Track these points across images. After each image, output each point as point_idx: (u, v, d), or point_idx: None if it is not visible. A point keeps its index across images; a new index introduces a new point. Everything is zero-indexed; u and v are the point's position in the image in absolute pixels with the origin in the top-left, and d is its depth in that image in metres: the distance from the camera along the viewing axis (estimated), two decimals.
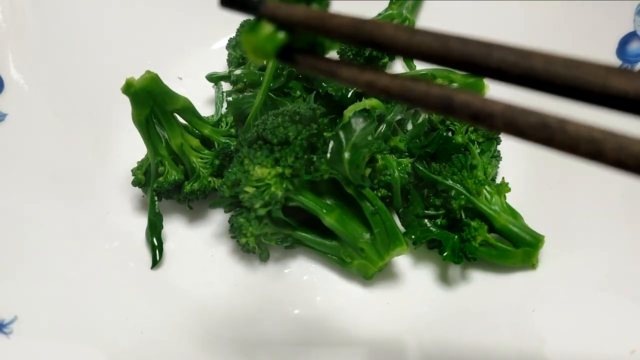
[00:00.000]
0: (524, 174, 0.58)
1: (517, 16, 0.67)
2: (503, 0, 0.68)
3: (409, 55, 0.21)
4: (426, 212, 0.54)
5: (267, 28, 0.24)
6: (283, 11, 0.23)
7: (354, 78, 0.22)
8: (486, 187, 0.53)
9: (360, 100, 0.58)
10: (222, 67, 0.71)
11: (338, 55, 0.71)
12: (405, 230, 0.54)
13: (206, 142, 0.59)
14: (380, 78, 0.22)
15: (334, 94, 0.60)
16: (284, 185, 0.50)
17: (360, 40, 0.21)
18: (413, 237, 0.52)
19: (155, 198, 0.58)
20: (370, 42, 0.21)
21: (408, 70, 0.69)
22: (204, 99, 0.69)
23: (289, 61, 0.25)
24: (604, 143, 0.17)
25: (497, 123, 0.19)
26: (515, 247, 0.52)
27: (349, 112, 0.54)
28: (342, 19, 0.22)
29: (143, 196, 0.61)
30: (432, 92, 0.20)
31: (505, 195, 0.53)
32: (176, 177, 0.56)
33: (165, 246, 0.58)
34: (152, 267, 0.57)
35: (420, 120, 0.61)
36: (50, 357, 0.47)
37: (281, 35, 0.24)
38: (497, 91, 0.23)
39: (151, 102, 0.52)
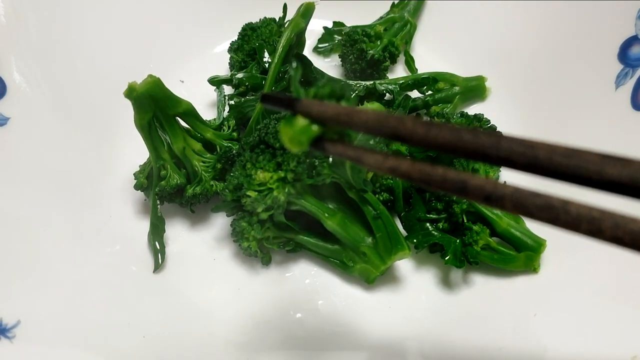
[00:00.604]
0: (526, 178, 0.58)
1: (517, 20, 0.67)
2: (504, 1, 0.68)
3: (427, 147, 0.22)
4: (428, 216, 0.54)
5: (302, 122, 0.27)
6: (316, 108, 0.26)
7: (379, 164, 0.24)
8: None
9: (362, 104, 0.58)
10: (224, 70, 0.72)
11: (340, 59, 0.71)
12: (407, 234, 0.54)
13: (208, 146, 0.59)
14: (402, 164, 0.23)
15: None
16: (286, 190, 0.51)
17: (383, 134, 0.23)
18: (415, 241, 0.52)
19: (158, 202, 0.58)
20: (393, 135, 0.23)
21: (410, 74, 0.69)
22: (206, 103, 0.70)
23: (321, 149, 0.27)
24: (602, 221, 0.18)
25: (507, 204, 0.20)
26: (517, 251, 0.52)
27: None
28: (367, 114, 0.24)
29: (145, 200, 0.61)
30: (448, 176, 0.21)
31: None
32: (178, 181, 0.56)
33: (168, 250, 0.58)
34: (154, 271, 0.57)
35: None
36: None
37: (314, 128, 0.27)
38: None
39: (153, 106, 0.52)
